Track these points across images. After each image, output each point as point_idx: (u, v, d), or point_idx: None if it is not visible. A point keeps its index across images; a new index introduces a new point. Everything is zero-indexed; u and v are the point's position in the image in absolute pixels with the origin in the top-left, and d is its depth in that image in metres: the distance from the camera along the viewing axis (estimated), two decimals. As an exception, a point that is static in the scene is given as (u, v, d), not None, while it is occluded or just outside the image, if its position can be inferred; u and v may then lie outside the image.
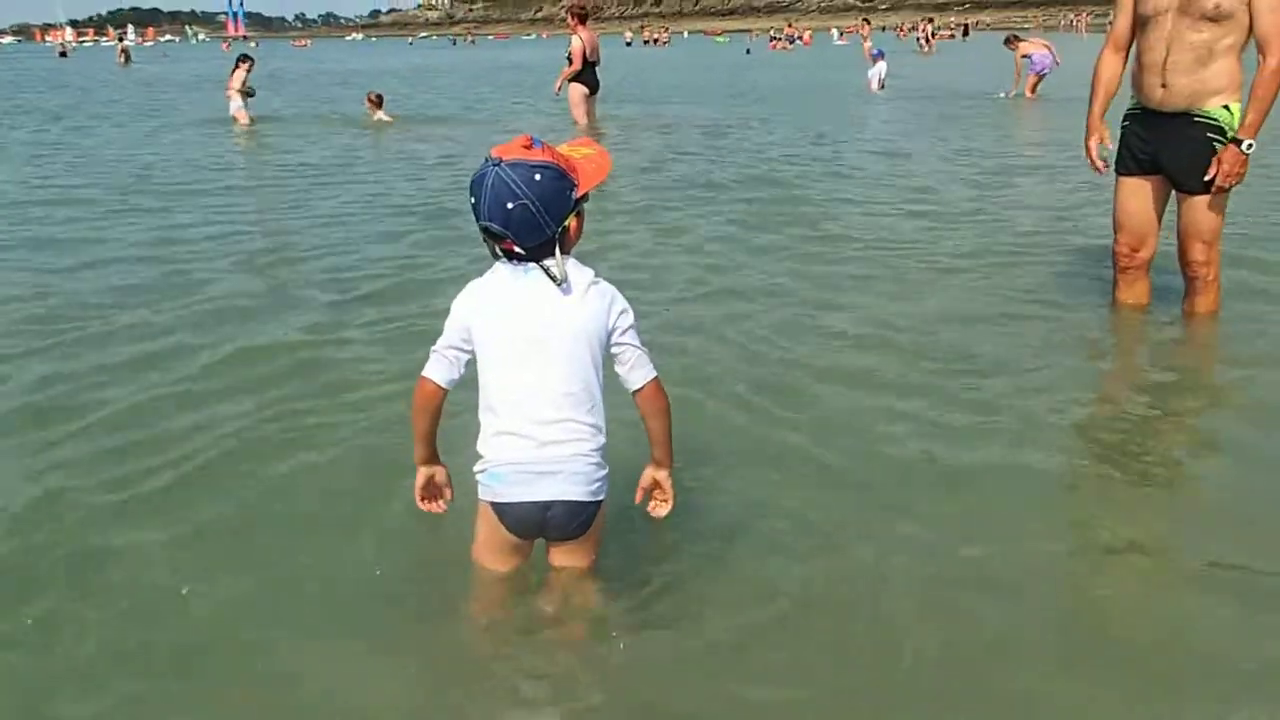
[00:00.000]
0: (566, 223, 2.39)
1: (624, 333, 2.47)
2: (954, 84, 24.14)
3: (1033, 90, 19.76)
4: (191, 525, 3.19)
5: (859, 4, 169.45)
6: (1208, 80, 4.63)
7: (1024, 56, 20.06)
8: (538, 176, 2.31)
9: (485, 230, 2.36)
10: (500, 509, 2.50)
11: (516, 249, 2.37)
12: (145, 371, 4.60)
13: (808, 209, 8.48)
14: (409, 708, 2.40)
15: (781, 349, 4.82)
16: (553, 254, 2.38)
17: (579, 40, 14.08)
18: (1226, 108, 4.65)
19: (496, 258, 2.46)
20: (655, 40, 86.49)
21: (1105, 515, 3.26)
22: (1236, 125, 4.64)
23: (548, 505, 2.47)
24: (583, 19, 14.41)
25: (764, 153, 12.30)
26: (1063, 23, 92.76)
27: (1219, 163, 4.67)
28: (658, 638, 2.59)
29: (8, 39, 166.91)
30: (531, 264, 2.39)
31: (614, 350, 2.48)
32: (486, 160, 2.35)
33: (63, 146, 14.21)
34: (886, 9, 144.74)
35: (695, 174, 10.54)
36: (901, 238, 7.22)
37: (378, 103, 16.92)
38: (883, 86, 22.86)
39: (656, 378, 2.53)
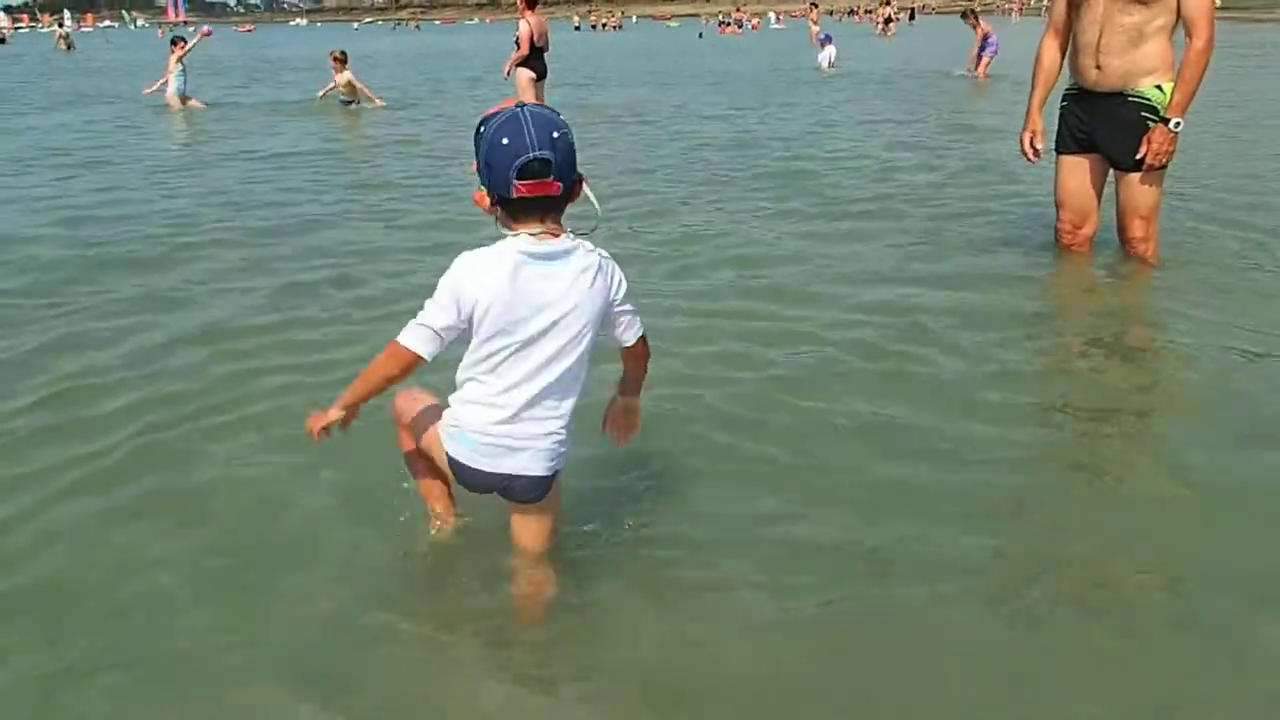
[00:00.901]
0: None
1: (622, 302, 2.53)
2: (914, 64, 24.47)
3: (984, 70, 20.22)
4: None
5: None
6: (1139, 61, 4.81)
7: (984, 35, 20.47)
8: (562, 121, 2.35)
9: (526, 170, 2.27)
10: (458, 467, 2.55)
11: (557, 189, 2.32)
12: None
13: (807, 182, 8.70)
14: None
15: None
16: (577, 195, 2.40)
17: (526, 25, 14.13)
18: (1159, 87, 4.84)
19: (505, 234, 2.40)
20: (605, 25, 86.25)
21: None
22: (1168, 104, 4.81)
23: (509, 477, 2.52)
24: (531, 4, 14.43)
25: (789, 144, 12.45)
26: (998, 6, 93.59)
27: (1148, 141, 4.84)
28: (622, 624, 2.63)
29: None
30: (548, 250, 2.37)
31: (613, 317, 2.53)
32: (499, 112, 2.32)
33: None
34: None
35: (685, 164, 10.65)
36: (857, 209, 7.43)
37: (343, 60, 16.71)
38: (832, 66, 23.19)
39: (644, 336, 2.63)
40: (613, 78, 23.90)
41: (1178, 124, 4.81)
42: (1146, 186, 5.04)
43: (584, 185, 2.42)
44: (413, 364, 2.42)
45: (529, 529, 2.69)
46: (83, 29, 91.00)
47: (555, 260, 2.39)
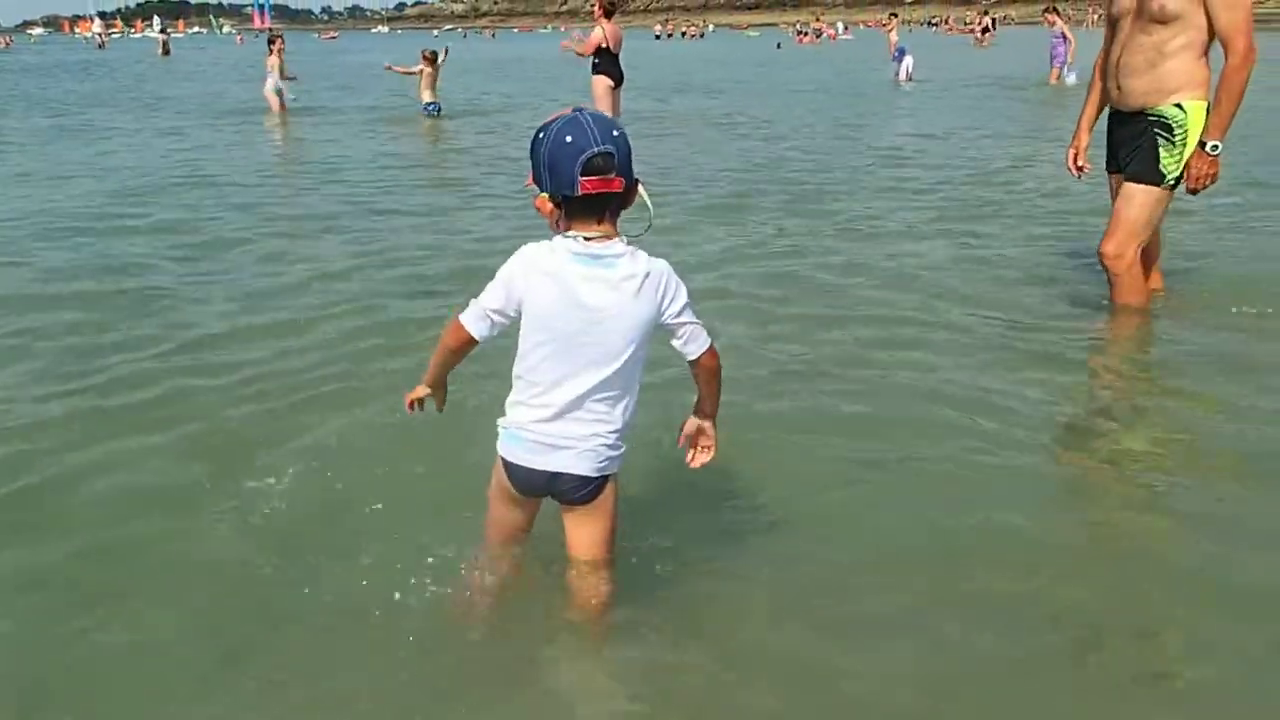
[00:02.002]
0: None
1: (679, 313, 2.47)
2: (1010, 73, 24.10)
3: (1056, 78, 20.03)
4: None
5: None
6: (1158, 81, 4.59)
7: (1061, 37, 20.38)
8: (620, 124, 2.40)
9: (590, 165, 2.30)
10: (509, 467, 2.57)
11: (619, 186, 2.35)
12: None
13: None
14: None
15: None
16: (634, 194, 2.42)
17: (600, 31, 14.27)
18: (1179, 105, 4.60)
19: (562, 231, 2.41)
20: (685, 34, 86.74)
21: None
22: (1188, 122, 4.59)
23: (555, 475, 2.53)
24: (609, 13, 14.60)
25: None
26: (1091, 18, 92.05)
27: (1188, 167, 4.65)
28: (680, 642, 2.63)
29: (38, 30, 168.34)
30: (599, 252, 2.38)
31: (671, 327, 2.49)
32: (559, 117, 2.36)
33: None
34: (912, 2, 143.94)
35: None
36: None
37: (432, 60, 16.74)
38: (910, 79, 22.91)
39: (712, 345, 2.56)
40: (697, 85, 23.91)
41: (1215, 147, 4.57)
42: (1134, 205, 4.78)
43: (640, 189, 2.43)
44: (465, 340, 2.48)
45: (580, 533, 2.66)
46: (173, 35, 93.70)
47: (602, 262, 2.39)
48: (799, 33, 70.80)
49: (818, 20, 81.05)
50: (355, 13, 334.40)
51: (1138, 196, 4.76)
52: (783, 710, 2.41)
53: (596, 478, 2.54)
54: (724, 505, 3.28)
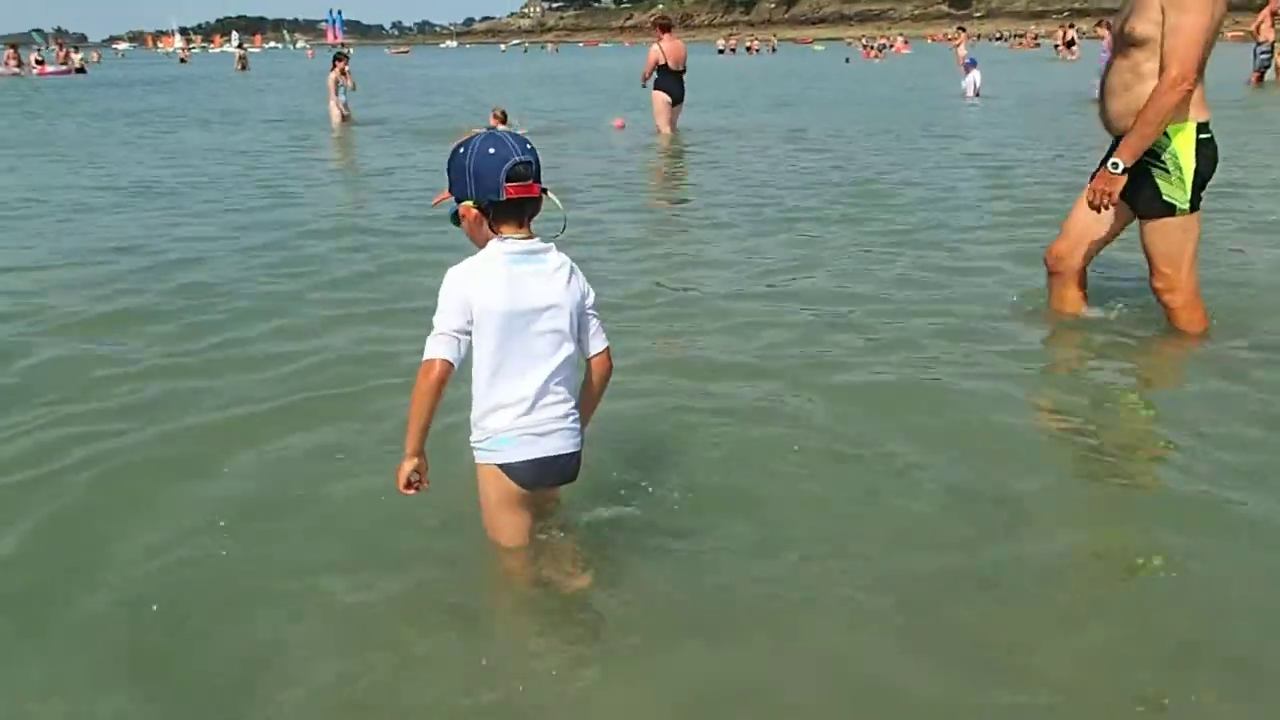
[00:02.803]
0: None
1: (591, 305, 2.80)
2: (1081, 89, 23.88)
3: None
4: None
5: (952, 12, 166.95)
6: (1133, 104, 4.50)
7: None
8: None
9: (514, 172, 2.58)
10: (510, 469, 2.73)
11: (537, 190, 2.64)
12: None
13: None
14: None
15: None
16: (541, 202, 2.71)
17: (658, 47, 14.83)
18: (1164, 133, 4.51)
19: (486, 239, 2.68)
20: (749, 48, 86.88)
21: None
22: (1173, 145, 4.52)
23: (552, 459, 2.74)
24: (666, 29, 15.20)
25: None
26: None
27: (1090, 179, 4.68)
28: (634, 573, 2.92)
29: (123, 45, 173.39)
30: (529, 249, 2.67)
31: (583, 319, 2.78)
32: (476, 134, 2.67)
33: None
34: (981, 17, 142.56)
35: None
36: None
37: (502, 119, 16.95)
38: (978, 94, 22.82)
39: (609, 347, 2.87)
40: (765, 101, 24.03)
41: (1115, 165, 4.53)
42: (1155, 234, 4.72)
43: (552, 196, 2.74)
44: (442, 372, 2.62)
45: (549, 501, 2.98)
46: (250, 50, 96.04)
47: (535, 258, 2.69)
48: (865, 47, 70.56)
49: (883, 35, 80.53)
50: (425, 28, 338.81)
51: (1158, 231, 4.70)
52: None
53: (578, 452, 2.82)
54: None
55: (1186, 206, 4.59)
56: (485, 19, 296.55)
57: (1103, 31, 21.13)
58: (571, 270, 2.75)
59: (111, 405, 4.26)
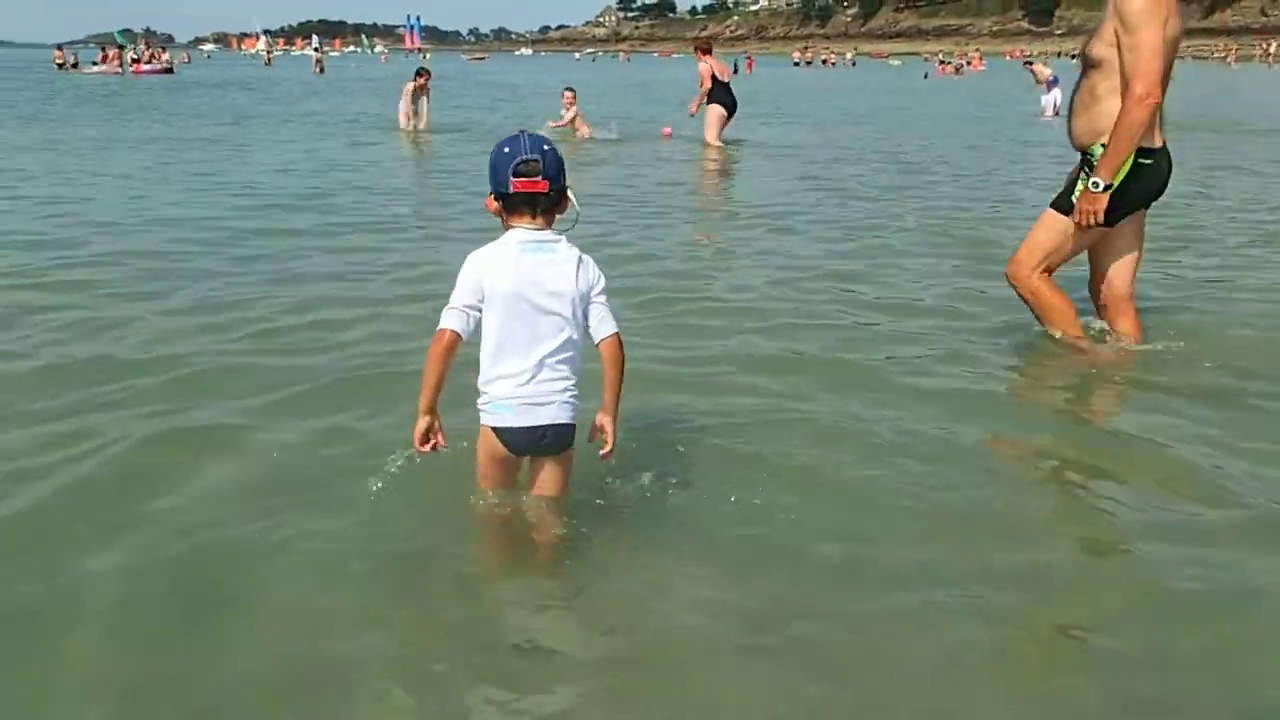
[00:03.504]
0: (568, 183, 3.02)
1: (599, 293, 3.06)
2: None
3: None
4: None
5: (1032, 28, 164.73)
6: (1091, 122, 4.68)
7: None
8: (551, 143, 3.02)
9: (520, 169, 2.91)
10: (503, 433, 3.05)
11: (546, 188, 2.93)
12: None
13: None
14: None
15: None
16: (565, 201, 3.01)
17: (706, 65, 15.56)
18: (1104, 145, 4.63)
19: (507, 228, 3.01)
20: (826, 61, 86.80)
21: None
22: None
23: (548, 429, 3.03)
24: (707, 51, 15.93)
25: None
26: (1257, 52, 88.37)
27: (1075, 200, 4.75)
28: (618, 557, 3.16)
29: (209, 46, 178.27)
30: (539, 238, 2.98)
31: (590, 307, 3.05)
32: (507, 135, 3.00)
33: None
34: (1062, 34, 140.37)
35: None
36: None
37: (573, 97, 17.34)
38: (1057, 113, 22.38)
39: (618, 332, 3.09)
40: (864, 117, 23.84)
41: (1095, 184, 4.62)
42: (1040, 223, 4.97)
43: (570, 195, 3.03)
44: (452, 341, 2.97)
45: (552, 477, 3.18)
46: (330, 54, 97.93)
47: (544, 247, 2.99)
48: (941, 63, 69.89)
49: (960, 51, 79.78)
50: (501, 35, 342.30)
51: (1045, 220, 4.94)
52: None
53: (573, 424, 3.09)
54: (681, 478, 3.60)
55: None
56: (561, 27, 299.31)
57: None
58: (580, 261, 3.02)
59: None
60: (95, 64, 50.92)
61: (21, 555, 3.12)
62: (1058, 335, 5.00)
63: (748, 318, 5.74)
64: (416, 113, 18.13)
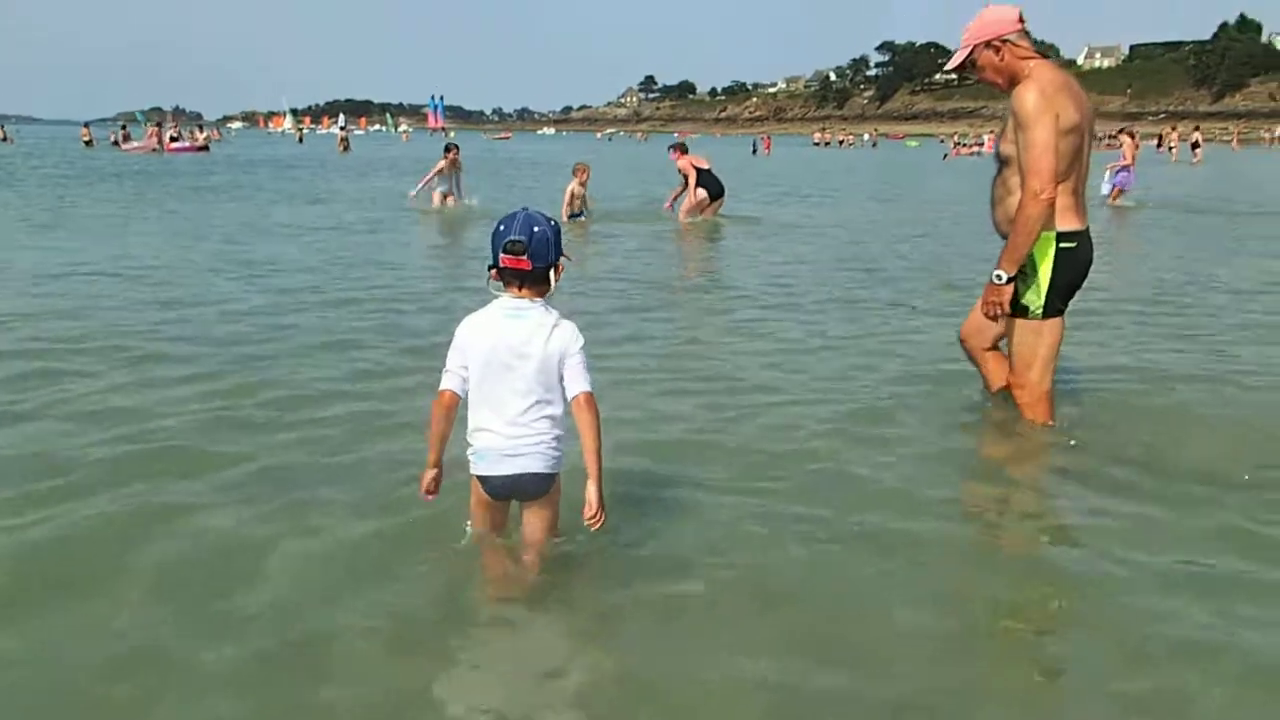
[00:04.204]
0: (558, 260, 3.31)
1: (575, 355, 3.31)
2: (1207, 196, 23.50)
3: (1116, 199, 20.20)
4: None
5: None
6: (1006, 212, 4.80)
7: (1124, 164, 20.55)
8: (552, 221, 3.32)
9: (508, 247, 3.22)
10: (482, 479, 3.39)
11: (529, 266, 3.24)
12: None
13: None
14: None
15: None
16: (548, 277, 3.30)
17: (684, 161, 16.98)
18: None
19: (496, 295, 3.34)
20: (844, 142, 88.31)
21: None
22: (1033, 251, 4.68)
23: (518, 477, 3.34)
24: (684, 150, 17.38)
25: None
26: (1267, 137, 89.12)
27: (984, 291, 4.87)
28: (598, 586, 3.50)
29: (237, 124, 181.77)
30: (518, 306, 3.29)
31: (565, 368, 3.30)
32: (510, 212, 3.33)
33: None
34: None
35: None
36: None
37: (585, 174, 16.80)
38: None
39: (590, 391, 3.31)
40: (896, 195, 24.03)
41: (998, 275, 4.75)
42: (1012, 335, 4.96)
43: (557, 273, 3.32)
44: (450, 400, 3.33)
45: (534, 521, 3.49)
46: (355, 132, 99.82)
47: (522, 314, 3.29)
48: (956, 144, 70.68)
49: (976, 133, 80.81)
50: (524, 115, 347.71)
51: (1015, 328, 4.93)
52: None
53: (550, 473, 3.38)
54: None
55: (1039, 311, 4.80)
56: (583, 107, 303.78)
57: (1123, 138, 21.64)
58: (555, 326, 3.31)
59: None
60: (131, 141, 51.48)
61: None
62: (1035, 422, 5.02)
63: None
64: (448, 192, 18.12)
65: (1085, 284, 4.91)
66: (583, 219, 16.61)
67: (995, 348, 5.31)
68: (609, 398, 4.13)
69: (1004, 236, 4.83)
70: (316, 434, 4.99)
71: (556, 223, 3.33)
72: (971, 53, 4.78)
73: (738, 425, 5.20)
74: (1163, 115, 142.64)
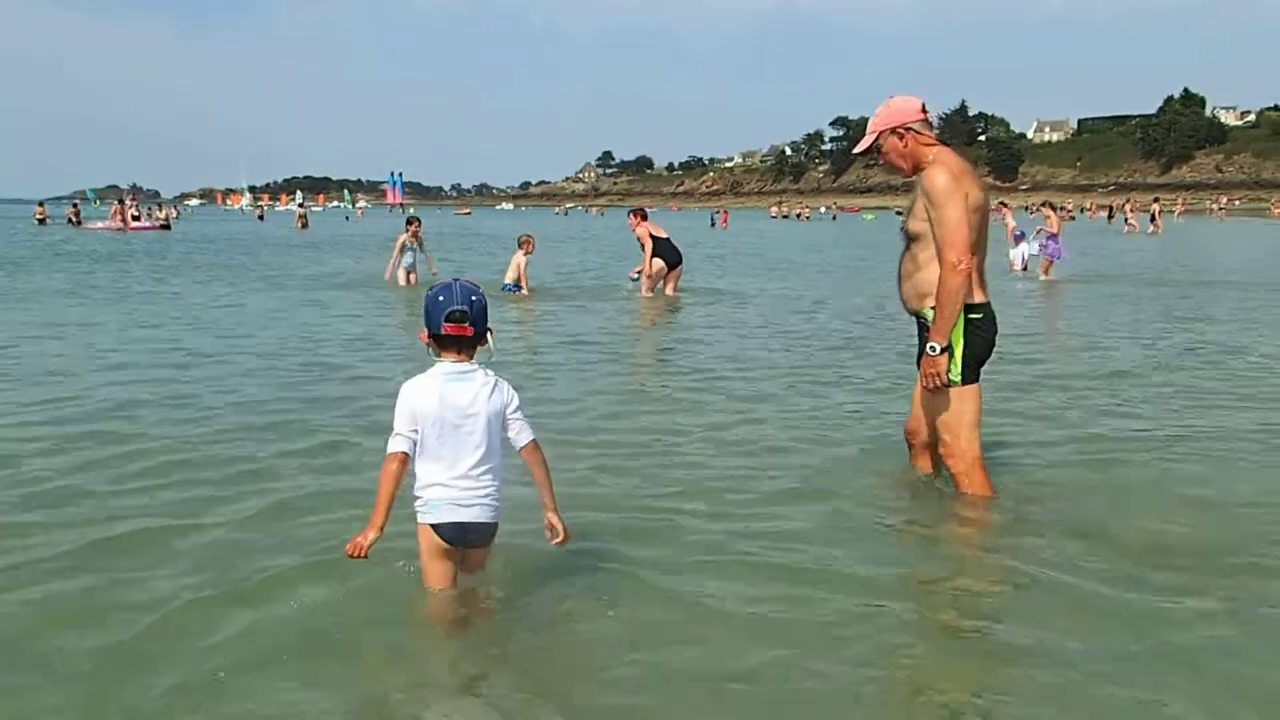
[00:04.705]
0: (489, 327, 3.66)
1: (515, 410, 3.72)
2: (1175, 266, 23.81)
3: (1046, 270, 20.68)
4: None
5: (998, 184, 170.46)
6: (915, 287, 5.07)
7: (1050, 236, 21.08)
8: (480, 291, 3.68)
9: (450, 316, 3.54)
10: (437, 527, 3.65)
11: (470, 332, 3.57)
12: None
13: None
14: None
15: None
16: (486, 341, 3.64)
17: (643, 229, 16.46)
18: (933, 308, 4.95)
19: (436, 359, 3.63)
20: (800, 215, 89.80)
21: None
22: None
23: (470, 525, 3.64)
24: (643, 217, 16.90)
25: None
26: (1213, 207, 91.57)
27: (920, 367, 5.05)
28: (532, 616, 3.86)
29: (194, 201, 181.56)
30: (460, 370, 3.61)
31: (508, 420, 3.69)
32: (442, 282, 3.67)
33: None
34: (1027, 189, 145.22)
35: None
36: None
37: (529, 244, 16.90)
38: (1025, 267, 22.77)
39: (535, 439, 3.76)
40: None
41: (933, 347, 4.95)
42: (938, 403, 5.11)
43: (491, 336, 3.67)
44: (401, 460, 3.58)
45: (474, 558, 3.86)
46: (314, 208, 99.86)
47: (465, 377, 3.62)
48: (911, 216, 71.74)
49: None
50: (483, 190, 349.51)
51: (939, 402, 5.10)
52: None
53: (494, 522, 3.74)
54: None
55: (958, 379, 4.99)
56: (541, 182, 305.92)
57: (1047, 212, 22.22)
58: (494, 386, 3.66)
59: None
60: (95, 221, 50.78)
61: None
62: (977, 499, 5.16)
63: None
64: (411, 269, 17.88)
65: (1008, 355, 5.06)
66: (523, 292, 16.58)
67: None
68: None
69: (911, 311, 5.17)
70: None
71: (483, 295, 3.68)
72: (878, 138, 5.11)
73: (678, 494, 5.40)
74: (1112, 187, 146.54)
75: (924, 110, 5.08)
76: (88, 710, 3.14)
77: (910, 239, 5.06)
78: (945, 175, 4.85)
